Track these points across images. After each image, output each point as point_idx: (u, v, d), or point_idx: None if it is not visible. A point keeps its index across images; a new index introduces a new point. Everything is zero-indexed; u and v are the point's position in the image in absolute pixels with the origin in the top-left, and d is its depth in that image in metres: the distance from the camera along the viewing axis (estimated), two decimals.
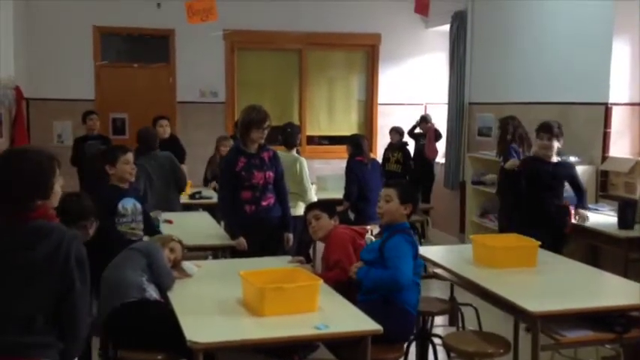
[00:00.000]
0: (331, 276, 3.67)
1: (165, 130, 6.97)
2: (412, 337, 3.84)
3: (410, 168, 8.27)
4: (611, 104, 5.78)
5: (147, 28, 8.47)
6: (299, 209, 5.61)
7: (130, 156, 4.27)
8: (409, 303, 3.49)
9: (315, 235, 4.07)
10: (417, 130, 8.55)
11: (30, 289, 2.23)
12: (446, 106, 8.55)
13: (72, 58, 8.27)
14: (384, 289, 3.41)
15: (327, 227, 4.00)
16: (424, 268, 5.28)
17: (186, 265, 3.76)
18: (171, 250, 3.72)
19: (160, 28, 8.49)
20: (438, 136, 8.41)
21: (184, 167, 6.43)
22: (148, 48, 8.83)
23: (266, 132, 4.62)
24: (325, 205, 4.18)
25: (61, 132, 8.34)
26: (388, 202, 3.59)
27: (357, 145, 6.50)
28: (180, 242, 3.81)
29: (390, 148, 8.40)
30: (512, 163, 5.67)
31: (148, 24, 8.41)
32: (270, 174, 4.65)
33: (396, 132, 8.34)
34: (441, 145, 8.55)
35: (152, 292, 3.40)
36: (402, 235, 3.51)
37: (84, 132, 7.48)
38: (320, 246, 5.28)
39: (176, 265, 3.72)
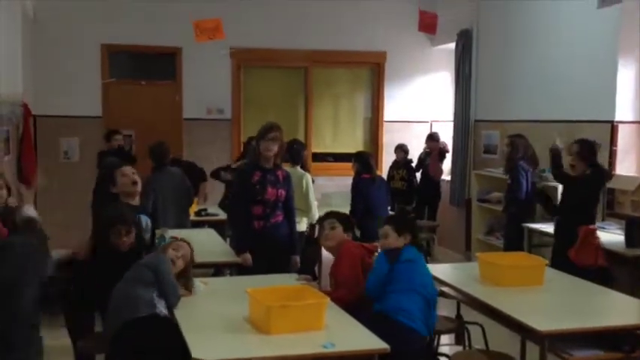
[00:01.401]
0: (339, 296, 3.64)
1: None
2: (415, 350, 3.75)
3: (415, 185, 8.28)
4: (617, 122, 5.79)
5: (154, 45, 8.53)
6: (302, 225, 5.63)
7: (126, 169, 4.33)
8: (392, 310, 3.49)
9: (325, 242, 4.11)
10: (424, 149, 8.52)
11: None
12: (452, 124, 8.57)
13: (79, 76, 8.32)
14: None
15: (340, 239, 4.05)
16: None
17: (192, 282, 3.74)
18: (176, 248, 3.66)
19: (167, 45, 8.55)
20: (442, 156, 8.41)
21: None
22: (155, 66, 8.88)
23: (273, 144, 4.57)
24: (344, 218, 4.20)
25: (68, 149, 8.38)
26: (386, 238, 3.77)
27: (365, 162, 6.51)
28: (188, 243, 3.76)
29: (394, 166, 8.41)
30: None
31: (155, 42, 8.47)
32: (283, 192, 4.65)
33: (401, 150, 8.35)
34: (446, 163, 8.56)
35: (162, 309, 3.39)
36: (382, 252, 3.75)
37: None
38: (326, 264, 5.28)
39: (186, 268, 3.66)
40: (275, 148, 4.60)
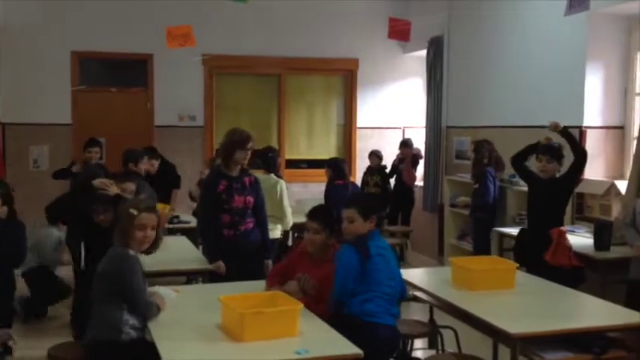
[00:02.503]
0: (321, 311, 3.49)
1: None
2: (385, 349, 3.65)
3: (389, 191, 8.32)
4: (586, 127, 5.88)
5: (125, 52, 8.47)
6: (276, 232, 5.60)
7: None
8: (364, 314, 3.43)
9: (309, 246, 3.78)
10: (397, 155, 8.57)
11: None
12: (424, 130, 8.64)
13: (49, 83, 8.22)
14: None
15: (322, 244, 3.73)
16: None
17: (163, 290, 3.62)
18: (142, 228, 3.36)
19: (138, 52, 8.49)
20: (415, 162, 8.47)
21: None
22: (126, 73, 8.81)
23: (249, 153, 4.63)
24: (328, 221, 3.79)
25: (37, 157, 8.26)
26: (352, 222, 3.58)
27: (338, 168, 6.53)
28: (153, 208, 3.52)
29: (369, 172, 8.44)
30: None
31: (126, 49, 8.41)
32: (250, 199, 4.65)
33: (375, 156, 8.39)
34: (419, 169, 8.61)
35: (131, 331, 3.24)
36: (348, 245, 3.54)
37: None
38: None
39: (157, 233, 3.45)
40: (248, 155, 4.64)
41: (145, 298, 3.32)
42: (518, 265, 4.10)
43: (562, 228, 4.78)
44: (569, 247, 4.72)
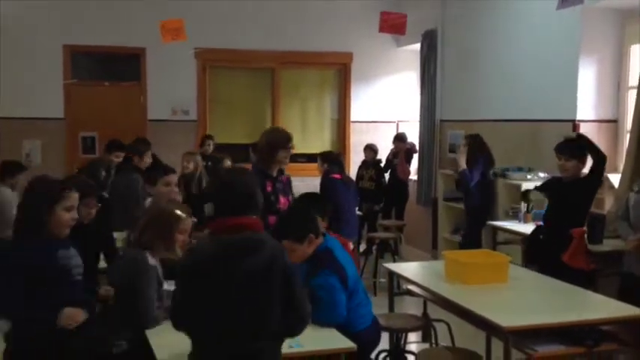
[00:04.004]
0: None
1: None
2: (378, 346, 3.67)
3: (383, 185, 8.32)
4: (579, 121, 5.89)
5: (117, 46, 8.43)
6: None
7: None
8: (355, 325, 3.32)
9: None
10: (391, 150, 8.56)
11: (259, 297, 2.48)
12: (418, 124, 8.63)
13: (41, 77, 8.19)
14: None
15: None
16: (397, 286, 5.32)
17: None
18: (182, 232, 3.33)
19: (131, 46, 8.45)
20: (410, 156, 8.46)
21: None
22: (119, 67, 8.79)
23: (290, 153, 4.42)
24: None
25: (30, 151, 8.22)
26: (294, 251, 3.24)
27: (335, 161, 6.49)
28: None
29: (364, 166, 8.44)
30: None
31: (119, 42, 8.37)
32: (290, 199, 4.47)
33: (371, 149, 8.39)
34: (413, 163, 8.61)
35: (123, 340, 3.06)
36: (323, 270, 3.28)
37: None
38: None
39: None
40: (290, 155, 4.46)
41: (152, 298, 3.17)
42: (529, 264, 4.02)
43: (583, 228, 4.64)
44: (588, 250, 4.61)
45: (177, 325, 2.62)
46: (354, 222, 6.42)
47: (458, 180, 6.78)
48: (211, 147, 8.05)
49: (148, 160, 6.16)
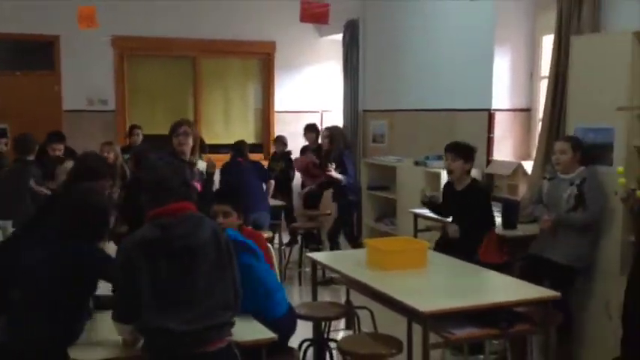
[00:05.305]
0: None
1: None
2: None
3: (292, 178, 8.12)
4: (494, 110, 6.06)
5: (29, 34, 8.07)
6: None
7: None
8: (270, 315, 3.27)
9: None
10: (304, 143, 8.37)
11: (224, 273, 2.67)
12: (341, 114, 8.68)
13: None
14: None
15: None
16: (323, 275, 5.33)
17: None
18: None
19: (44, 34, 8.11)
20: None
21: None
22: (31, 55, 8.42)
23: (185, 138, 4.52)
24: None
25: None
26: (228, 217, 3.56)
27: (238, 148, 7.03)
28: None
29: (273, 159, 8.20)
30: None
31: (31, 30, 8.01)
32: (198, 186, 4.44)
33: (280, 142, 8.19)
34: None
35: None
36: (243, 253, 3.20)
37: None
38: None
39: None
40: (189, 141, 4.53)
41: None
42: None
43: (494, 229, 4.73)
44: (501, 243, 4.69)
45: (128, 319, 2.60)
46: (259, 196, 6.69)
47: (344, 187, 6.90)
48: (140, 137, 7.85)
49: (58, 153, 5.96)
